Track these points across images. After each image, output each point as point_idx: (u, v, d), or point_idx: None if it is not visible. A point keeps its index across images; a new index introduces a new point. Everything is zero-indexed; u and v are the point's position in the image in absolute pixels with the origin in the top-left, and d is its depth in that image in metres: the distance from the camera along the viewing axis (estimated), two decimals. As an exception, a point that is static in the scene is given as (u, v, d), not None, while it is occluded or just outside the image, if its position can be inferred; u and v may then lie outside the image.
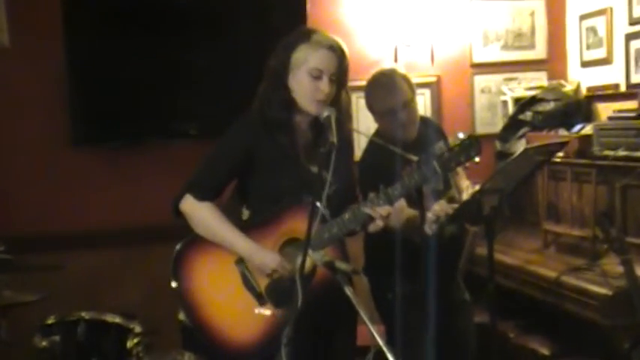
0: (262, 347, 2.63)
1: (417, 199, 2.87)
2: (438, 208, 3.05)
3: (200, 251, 2.76)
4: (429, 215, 3.03)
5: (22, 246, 3.67)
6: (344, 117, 2.75)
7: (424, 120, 3.46)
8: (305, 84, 2.67)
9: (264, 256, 2.67)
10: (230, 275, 2.71)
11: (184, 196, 2.74)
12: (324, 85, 2.65)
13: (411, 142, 3.19)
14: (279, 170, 2.72)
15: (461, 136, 2.65)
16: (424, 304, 3.11)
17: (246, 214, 2.82)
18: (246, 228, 2.73)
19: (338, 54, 2.69)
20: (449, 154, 2.61)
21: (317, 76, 2.65)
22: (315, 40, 2.68)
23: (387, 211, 2.61)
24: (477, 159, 2.64)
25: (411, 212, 3.01)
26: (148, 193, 4.50)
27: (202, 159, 2.80)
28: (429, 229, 3.03)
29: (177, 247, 2.76)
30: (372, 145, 3.37)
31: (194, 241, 2.77)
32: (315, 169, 2.71)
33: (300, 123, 2.75)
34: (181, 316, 2.78)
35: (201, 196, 2.73)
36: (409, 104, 3.24)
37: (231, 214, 2.79)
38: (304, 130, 2.77)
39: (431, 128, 3.43)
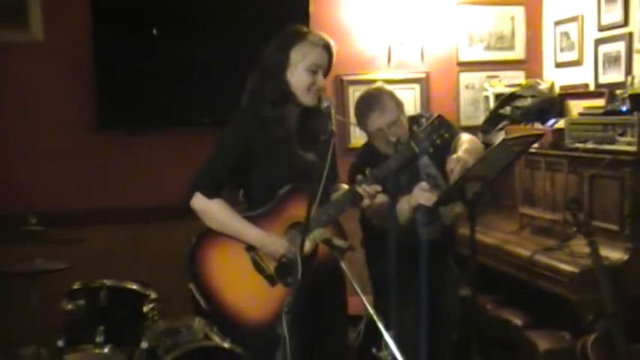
0: (274, 320, 2.67)
1: (390, 189, 2.84)
2: (417, 192, 3.12)
3: (212, 243, 2.83)
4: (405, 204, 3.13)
5: (49, 221, 3.75)
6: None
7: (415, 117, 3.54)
8: (303, 78, 2.81)
9: (275, 243, 2.79)
10: (242, 261, 2.81)
11: (194, 195, 2.80)
12: (320, 79, 2.83)
13: None
14: (277, 161, 2.82)
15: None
16: (409, 282, 3.12)
17: (243, 199, 2.94)
18: (254, 218, 2.82)
19: (330, 52, 2.87)
20: (423, 134, 2.77)
21: (314, 71, 2.82)
22: (311, 40, 2.84)
23: (375, 189, 2.74)
24: (446, 135, 2.78)
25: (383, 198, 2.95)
26: (162, 175, 4.64)
27: (206, 158, 2.85)
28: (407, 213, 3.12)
29: (192, 240, 2.81)
30: (366, 146, 3.52)
31: (205, 235, 2.84)
32: (308, 156, 2.84)
33: (291, 114, 2.87)
34: (191, 285, 2.82)
35: (210, 194, 2.80)
36: (396, 122, 3.31)
37: (232, 203, 2.88)
38: (294, 120, 2.89)
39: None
